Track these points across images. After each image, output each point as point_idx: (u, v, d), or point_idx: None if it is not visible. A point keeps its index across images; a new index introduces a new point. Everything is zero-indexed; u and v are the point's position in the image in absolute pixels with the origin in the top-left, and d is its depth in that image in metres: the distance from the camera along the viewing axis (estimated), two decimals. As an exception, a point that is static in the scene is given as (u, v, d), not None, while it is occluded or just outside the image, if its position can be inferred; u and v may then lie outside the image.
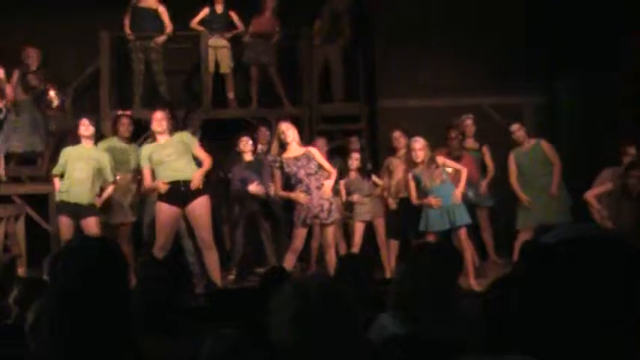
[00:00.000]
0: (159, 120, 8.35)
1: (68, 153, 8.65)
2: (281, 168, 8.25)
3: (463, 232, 8.64)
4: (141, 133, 10.43)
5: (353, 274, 4.53)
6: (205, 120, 10.75)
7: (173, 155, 8.22)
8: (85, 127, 8.62)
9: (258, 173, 9.38)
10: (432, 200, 8.58)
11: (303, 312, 2.10)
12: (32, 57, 10.48)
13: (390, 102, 11.11)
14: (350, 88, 11.49)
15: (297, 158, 8.22)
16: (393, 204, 9.40)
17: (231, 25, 11.21)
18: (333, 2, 11.29)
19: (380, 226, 9.47)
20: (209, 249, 8.34)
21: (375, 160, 10.67)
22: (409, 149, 8.81)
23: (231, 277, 9.38)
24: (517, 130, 9.57)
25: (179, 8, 11.02)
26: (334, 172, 8.46)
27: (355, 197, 9.38)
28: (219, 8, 11.15)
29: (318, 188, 8.22)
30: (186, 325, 3.50)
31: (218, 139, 10.31)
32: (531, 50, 10.82)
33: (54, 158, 9.65)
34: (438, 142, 9.53)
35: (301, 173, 8.19)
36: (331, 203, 8.28)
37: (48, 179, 10.00)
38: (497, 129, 10.88)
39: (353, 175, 9.46)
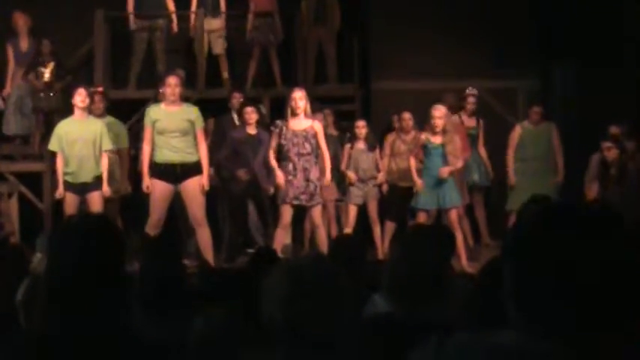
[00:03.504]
0: (172, 86, 8.15)
1: (63, 129, 8.56)
2: (279, 135, 8.27)
3: (454, 214, 8.69)
4: (135, 112, 10.44)
5: (346, 255, 4.54)
6: (199, 100, 10.74)
7: (176, 133, 8.17)
8: (82, 99, 8.48)
9: (254, 150, 9.26)
10: (418, 183, 8.67)
11: (295, 292, 2.10)
12: (20, 24, 10.43)
13: (385, 84, 11.09)
14: (344, 70, 11.47)
15: (296, 134, 8.22)
16: (386, 189, 9.46)
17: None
18: None
19: (372, 207, 9.47)
20: (201, 226, 8.35)
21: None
22: (428, 116, 8.84)
23: (222, 257, 9.39)
24: (537, 111, 9.68)
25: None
26: (327, 156, 8.43)
27: (353, 177, 9.34)
28: None
29: (305, 170, 8.24)
30: (181, 302, 3.51)
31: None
32: (528, 34, 10.80)
33: (46, 137, 9.66)
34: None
35: (293, 152, 8.22)
36: (316, 187, 8.30)
37: (41, 158, 10.01)
38: (492, 113, 10.89)
39: (360, 144, 9.40)
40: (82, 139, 8.46)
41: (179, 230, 9.20)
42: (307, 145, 8.25)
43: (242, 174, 9.15)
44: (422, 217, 8.69)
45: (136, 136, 9.80)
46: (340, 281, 2.17)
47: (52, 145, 8.63)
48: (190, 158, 8.26)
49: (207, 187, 8.30)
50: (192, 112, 8.32)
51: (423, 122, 9.60)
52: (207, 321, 3.01)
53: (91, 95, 8.77)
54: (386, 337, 2.56)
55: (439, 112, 8.76)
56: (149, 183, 8.23)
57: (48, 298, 2.27)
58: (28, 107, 10.27)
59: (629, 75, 10.00)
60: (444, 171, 8.63)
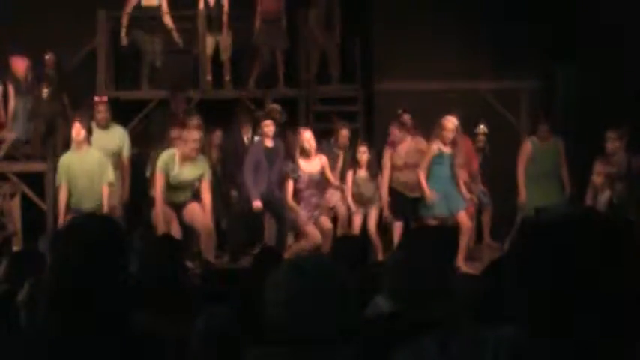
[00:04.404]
0: (192, 143, 8.41)
1: (67, 163, 8.68)
2: (295, 180, 8.83)
3: (464, 216, 8.77)
4: (137, 112, 10.48)
5: (349, 255, 4.53)
6: (202, 100, 10.78)
7: (182, 188, 8.57)
8: (77, 132, 8.58)
9: (271, 161, 9.31)
10: (427, 194, 8.69)
11: (298, 291, 2.10)
12: (20, 70, 10.35)
13: (387, 84, 11.08)
14: (347, 71, 11.49)
15: (312, 178, 8.86)
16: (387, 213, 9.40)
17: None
18: None
19: (372, 223, 9.37)
20: (208, 234, 8.65)
21: (370, 144, 10.72)
22: (440, 128, 8.83)
23: (226, 257, 9.43)
24: (545, 129, 9.60)
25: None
26: (337, 183, 9.12)
27: (353, 207, 9.30)
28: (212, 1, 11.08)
29: (317, 206, 8.95)
30: (183, 302, 3.52)
31: (215, 120, 10.35)
32: (530, 35, 10.79)
33: (46, 139, 9.78)
34: (433, 125, 9.54)
35: (307, 193, 8.89)
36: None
37: (44, 158, 10.05)
38: (494, 114, 10.89)
39: (362, 172, 9.33)
40: (83, 172, 8.64)
41: (183, 231, 9.22)
42: (321, 187, 8.96)
43: (258, 205, 9.15)
44: (433, 223, 8.76)
45: (137, 137, 9.84)
46: (342, 281, 2.17)
47: (59, 181, 8.75)
48: (191, 196, 8.74)
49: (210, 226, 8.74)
50: (203, 167, 8.63)
51: (425, 122, 9.59)
52: (209, 320, 3.02)
53: (92, 105, 8.96)
54: (387, 337, 2.57)
55: (451, 124, 8.78)
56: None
57: (51, 297, 2.27)
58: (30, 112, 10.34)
59: (629, 76, 9.98)
60: (466, 194, 9.03)
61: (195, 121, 9.07)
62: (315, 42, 11.16)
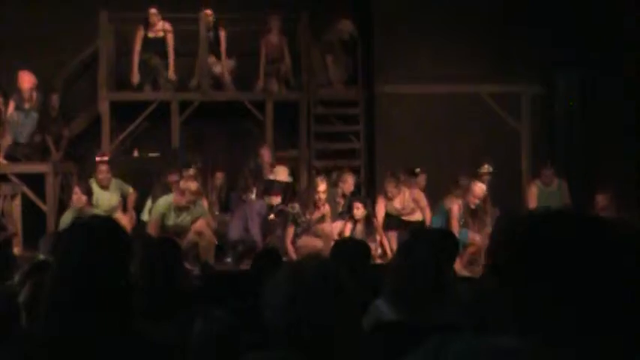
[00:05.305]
0: (190, 194, 8.67)
1: (67, 222, 8.75)
2: (295, 222, 9.14)
3: (476, 237, 8.84)
4: (138, 112, 10.49)
5: (348, 258, 4.52)
6: (203, 102, 10.78)
7: (179, 230, 8.70)
8: (77, 198, 8.79)
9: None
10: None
11: (298, 295, 2.10)
12: (26, 86, 10.36)
13: (389, 87, 11.09)
14: (349, 73, 11.50)
15: (310, 226, 9.15)
16: (384, 247, 9.45)
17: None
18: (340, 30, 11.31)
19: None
20: (208, 237, 8.81)
21: (371, 146, 10.73)
22: (468, 192, 8.93)
23: (227, 260, 9.45)
24: (548, 174, 9.61)
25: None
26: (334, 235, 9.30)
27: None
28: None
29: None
30: (183, 304, 3.51)
31: (217, 123, 10.37)
32: (532, 39, 10.80)
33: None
34: (436, 130, 9.51)
35: (300, 236, 9.22)
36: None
37: (44, 159, 10.06)
38: (496, 118, 10.89)
39: (359, 227, 9.45)
40: None
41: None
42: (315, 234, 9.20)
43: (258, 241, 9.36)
44: None
45: (138, 138, 9.83)
46: (342, 284, 2.17)
47: None
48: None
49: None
50: (199, 212, 8.86)
51: (425, 124, 9.57)
52: (208, 323, 3.01)
53: (96, 166, 9.45)
54: (387, 340, 2.56)
55: (480, 190, 8.83)
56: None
57: (51, 297, 2.27)
58: (32, 118, 10.39)
59: (629, 82, 9.99)
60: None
61: (191, 171, 9.20)
62: (329, 81, 11.35)
